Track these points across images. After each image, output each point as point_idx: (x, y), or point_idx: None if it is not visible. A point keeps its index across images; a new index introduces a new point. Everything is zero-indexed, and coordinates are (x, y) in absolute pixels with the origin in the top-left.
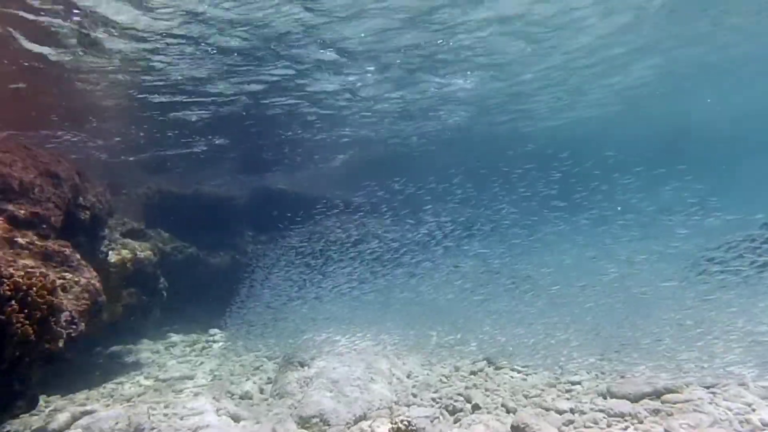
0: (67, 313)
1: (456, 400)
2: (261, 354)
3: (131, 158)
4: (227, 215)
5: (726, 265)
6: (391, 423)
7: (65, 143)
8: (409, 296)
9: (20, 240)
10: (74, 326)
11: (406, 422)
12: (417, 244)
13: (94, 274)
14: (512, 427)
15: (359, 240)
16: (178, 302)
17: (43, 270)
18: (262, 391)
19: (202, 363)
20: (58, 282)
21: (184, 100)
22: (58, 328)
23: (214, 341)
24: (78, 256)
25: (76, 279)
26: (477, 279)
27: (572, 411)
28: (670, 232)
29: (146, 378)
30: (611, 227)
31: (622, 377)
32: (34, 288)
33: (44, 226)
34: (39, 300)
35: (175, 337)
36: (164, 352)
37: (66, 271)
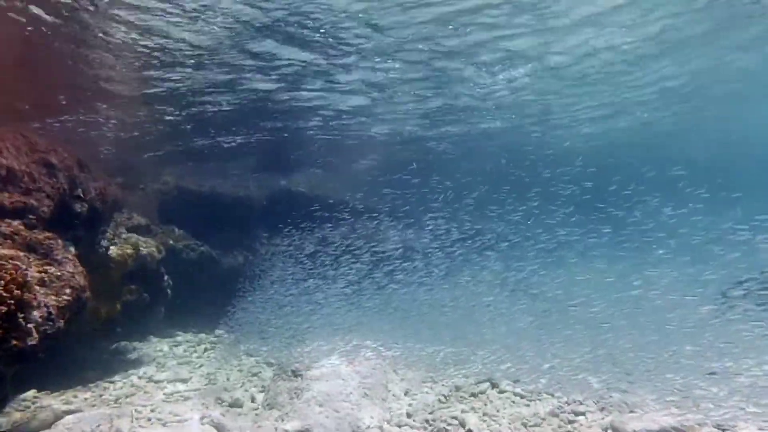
0: (44, 308)
1: (450, 424)
2: (261, 359)
3: (148, 153)
4: (243, 215)
5: (761, 296)
6: None
7: (79, 132)
8: (419, 308)
9: (3, 229)
10: (51, 323)
11: None
12: (432, 254)
13: (80, 268)
14: None
15: (374, 248)
16: (190, 301)
17: (19, 262)
18: (253, 399)
19: (201, 365)
20: (38, 276)
21: (206, 91)
22: (29, 325)
23: (219, 343)
24: (70, 249)
25: (59, 273)
26: (491, 294)
27: None
28: (711, 256)
29: (140, 378)
30: (643, 245)
31: (632, 411)
32: (2, 281)
33: (32, 216)
34: (6, 294)
35: (181, 337)
36: (167, 352)
37: (49, 265)
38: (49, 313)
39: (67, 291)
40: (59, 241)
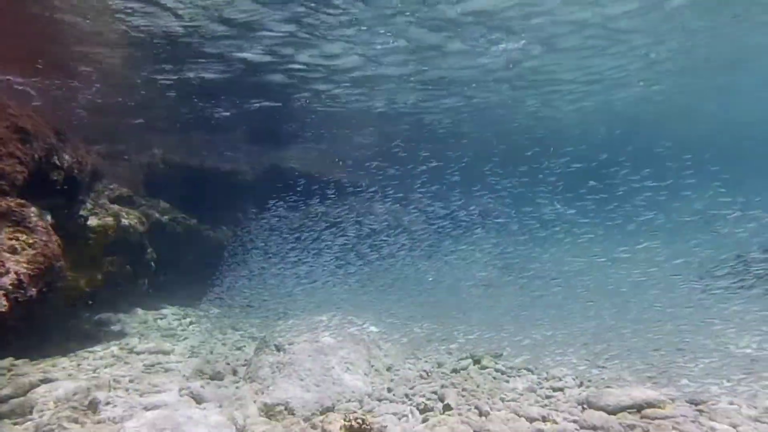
0: (13, 275)
1: (429, 399)
2: (246, 334)
3: (133, 121)
4: (232, 190)
5: (744, 276)
6: (344, 420)
7: (57, 97)
8: (405, 285)
9: None
10: (22, 290)
11: (359, 420)
12: (420, 231)
13: (54, 237)
14: None
15: (362, 224)
16: (176, 274)
17: None
18: (235, 372)
19: (185, 338)
20: (9, 243)
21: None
22: None
23: (204, 316)
24: (45, 217)
25: (31, 241)
26: (477, 271)
27: (544, 419)
28: (697, 234)
29: (121, 349)
30: (630, 222)
31: (608, 387)
32: None
33: (3, 182)
34: None
35: (166, 310)
36: (151, 324)
37: (20, 232)
38: (20, 281)
39: (40, 259)
40: (33, 208)
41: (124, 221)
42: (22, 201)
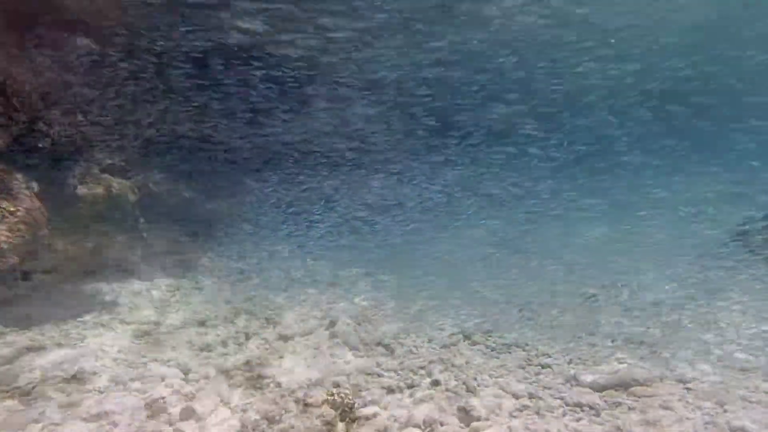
0: None
1: (417, 374)
2: (240, 306)
3: (126, 89)
4: (228, 162)
5: (745, 254)
6: (327, 394)
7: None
8: (398, 260)
9: None
10: (2, 259)
11: (343, 394)
12: (414, 206)
13: (38, 205)
14: (458, 408)
15: (357, 198)
16: (171, 245)
17: None
18: (225, 344)
19: (178, 310)
20: None
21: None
22: None
23: (198, 288)
24: (31, 185)
25: (13, 209)
26: (471, 247)
27: (530, 396)
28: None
29: (111, 319)
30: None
31: (597, 365)
32: None
33: None
34: None
35: (160, 281)
36: (144, 295)
37: (2, 199)
38: (1, 249)
39: (22, 227)
40: (17, 175)
41: (116, 191)
42: (5, 168)
